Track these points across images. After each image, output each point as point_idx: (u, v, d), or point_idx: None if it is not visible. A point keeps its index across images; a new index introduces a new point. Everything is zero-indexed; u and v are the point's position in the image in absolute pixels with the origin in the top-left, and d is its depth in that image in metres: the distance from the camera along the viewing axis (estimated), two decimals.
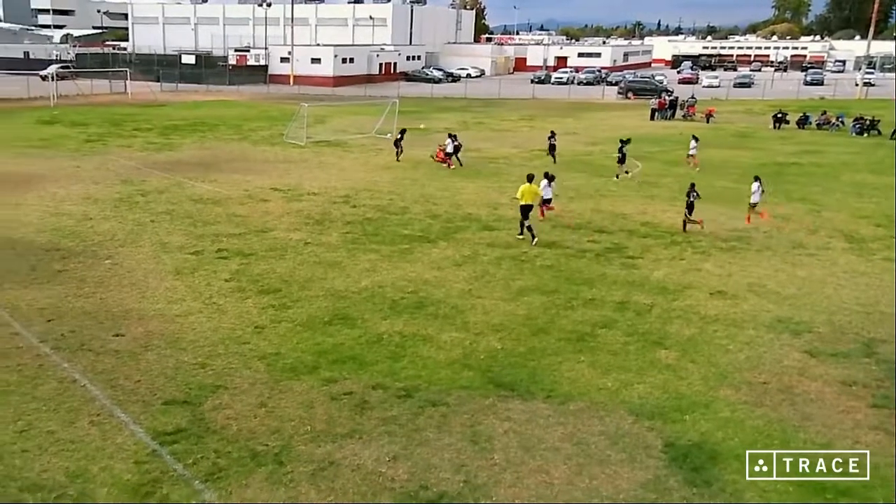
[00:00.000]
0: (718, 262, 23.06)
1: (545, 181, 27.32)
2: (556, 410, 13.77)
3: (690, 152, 40.47)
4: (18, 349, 15.95)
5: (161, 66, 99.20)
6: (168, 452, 12.12)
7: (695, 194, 26.59)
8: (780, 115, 58.99)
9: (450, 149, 39.29)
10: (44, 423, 12.98)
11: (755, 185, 27.85)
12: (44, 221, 26.44)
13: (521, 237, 25.19)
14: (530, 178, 25.74)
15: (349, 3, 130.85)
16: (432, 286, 20.38)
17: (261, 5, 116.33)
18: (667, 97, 67.65)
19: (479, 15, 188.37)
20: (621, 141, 37.81)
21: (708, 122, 61.01)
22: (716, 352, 16.50)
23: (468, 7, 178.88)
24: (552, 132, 42.75)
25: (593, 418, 13.52)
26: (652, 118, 63.43)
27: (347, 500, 11.12)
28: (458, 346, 16.49)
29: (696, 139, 41.09)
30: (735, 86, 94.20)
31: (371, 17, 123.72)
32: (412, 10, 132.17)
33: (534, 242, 24.65)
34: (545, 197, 27.36)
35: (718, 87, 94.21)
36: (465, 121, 60.76)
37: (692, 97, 67.71)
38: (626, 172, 36.95)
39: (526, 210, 25.07)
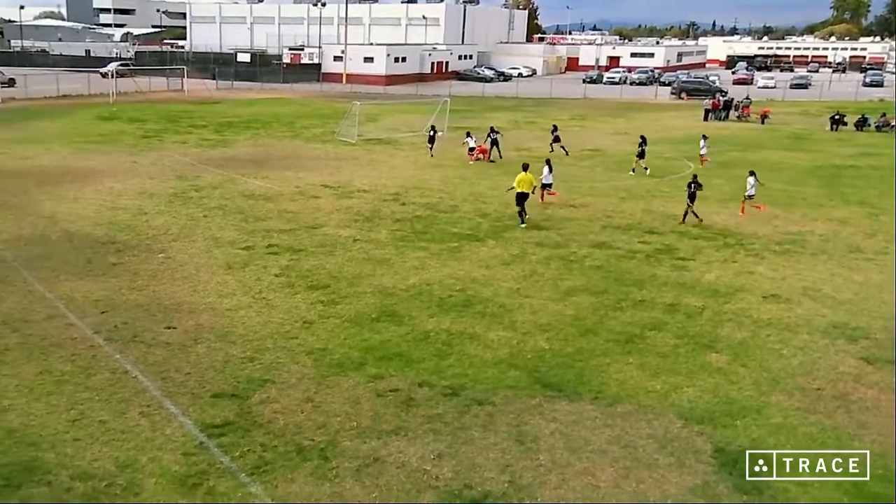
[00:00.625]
0: (772, 265, 22.63)
1: (546, 168, 29.61)
2: (603, 412, 13.62)
3: (701, 151, 40.58)
4: (73, 340, 16.28)
5: (217, 65, 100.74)
6: (215, 445, 12.25)
7: (695, 185, 27.32)
8: (837, 117, 57.64)
9: (472, 143, 40.57)
10: (96, 412, 13.21)
11: (751, 180, 29.05)
12: (100, 215, 26.97)
13: (523, 226, 26.23)
14: (525, 168, 27.01)
15: (402, 2, 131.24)
16: (480, 284, 20.32)
17: (315, 5, 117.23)
18: (721, 98, 66.64)
19: (532, 15, 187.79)
20: (642, 137, 38.50)
21: (763, 123, 60.02)
22: (768, 356, 16.18)
23: (521, 7, 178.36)
24: (554, 125, 44.65)
25: (641, 421, 13.35)
26: (705, 119, 62.45)
27: (392, 497, 11.11)
28: (505, 345, 16.41)
29: (706, 138, 41.22)
30: (791, 87, 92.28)
31: (424, 17, 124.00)
32: (465, 10, 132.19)
33: (522, 225, 26.26)
34: (545, 182, 29.45)
35: (774, 87, 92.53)
36: (515, 120, 60.55)
37: (747, 98, 66.51)
38: (643, 168, 37.45)
39: (521, 197, 26.35)
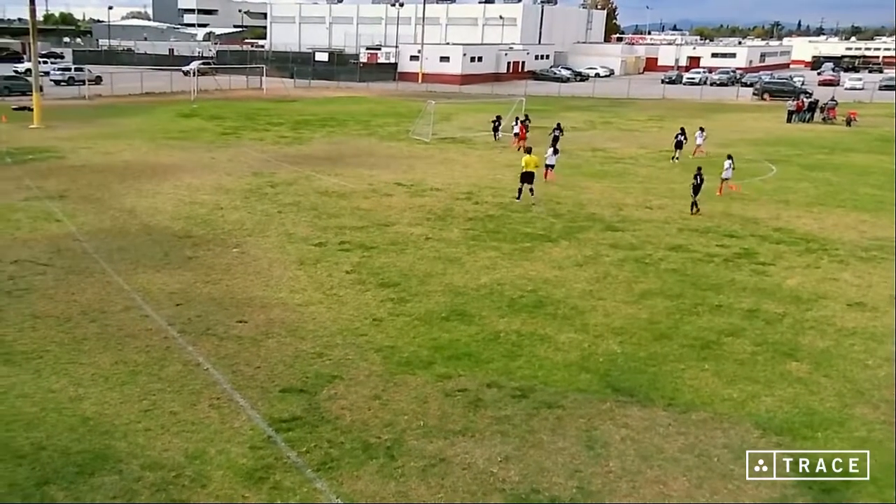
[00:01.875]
0: (857, 272, 21.77)
1: (551, 150, 34.22)
2: (676, 419, 13.22)
3: (697, 142, 41.84)
4: (148, 331, 16.55)
5: (295, 63, 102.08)
6: (283, 439, 12.26)
7: (700, 177, 28.31)
8: None
9: (517, 129, 44.46)
10: (167, 403, 13.38)
11: (727, 163, 31.73)
12: (178, 210, 27.47)
13: (518, 200, 29.37)
14: (529, 151, 30.87)
15: (480, 2, 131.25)
16: (552, 286, 20.02)
17: (393, 5, 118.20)
18: (805, 99, 64.71)
19: (611, 15, 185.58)
20: (681, 129, 41.55)
21: (849, 125, 57.95)
22: (852, 367, 15.51)
23: (599, 7, 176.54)
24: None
25: (716, 430, 12.90)
26: (789, 120, 60.82)
27: (457, 498, 10.95)
28: (576, 348, 16.10)
29: (703, 129, 42.73)
30: (880, 88, 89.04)
31: (501, 17, 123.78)
32: (542, 10, 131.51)
33: (533, 200, 29.09)
34: (548, 163, 33.40)
35: (862, 89, 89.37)
36: (591, 120, 59.88)
37: (832, 99, 64.39)
38: (675, 158, 40.39)
39: (528, 176, 29.23)
